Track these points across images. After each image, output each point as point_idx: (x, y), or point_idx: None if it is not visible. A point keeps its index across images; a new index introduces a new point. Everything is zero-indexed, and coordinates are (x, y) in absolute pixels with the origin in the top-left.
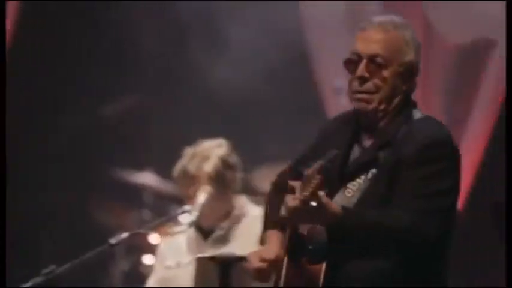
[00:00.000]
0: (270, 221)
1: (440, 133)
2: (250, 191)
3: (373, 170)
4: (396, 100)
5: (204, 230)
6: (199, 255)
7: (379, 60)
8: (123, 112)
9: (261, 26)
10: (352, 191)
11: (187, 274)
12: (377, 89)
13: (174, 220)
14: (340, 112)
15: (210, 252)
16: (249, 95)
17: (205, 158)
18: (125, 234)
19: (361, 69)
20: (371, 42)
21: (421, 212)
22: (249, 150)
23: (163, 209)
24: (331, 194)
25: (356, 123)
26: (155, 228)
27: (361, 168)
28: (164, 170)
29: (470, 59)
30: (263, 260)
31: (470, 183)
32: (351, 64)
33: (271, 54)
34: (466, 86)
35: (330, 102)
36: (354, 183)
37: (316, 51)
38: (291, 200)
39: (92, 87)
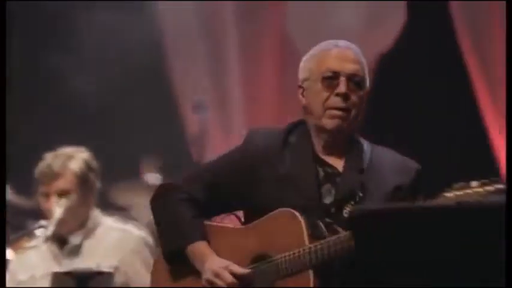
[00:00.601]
0: (193, 232)
1: (414, 163)
2: (106, 204)
3: (360, 194)
4: (357, 122)
5: (59, 240)
6: (55, 270)
7: (357, 79)
8: None
9: (118, 33)
10: (348, 212)
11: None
12: (353, 107)
13: (30, 235)
14: (260, 132)
15: (65, 263)
16: (105, 105)
17: (70, 157)
18: None
19: (344, 87)
20: (349, 61)
21: None
22: (104, 161)
23: (19, 224)
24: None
25: (308, 143)
26: (10, 244)
27: (350, 193)
28: (19, 185)
29: None
30: (234, 274)
31: None
32: (325, 81)
33: (128, 63)
34: None
35: (188, 115)
36: (345, 207)
37: (174, 61)
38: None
39: None
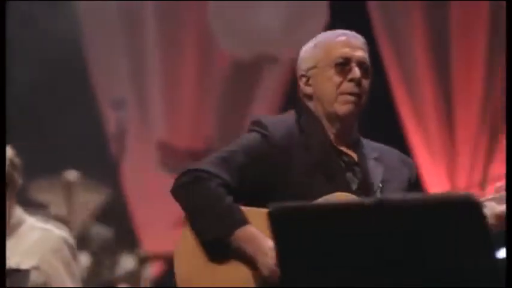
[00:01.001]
0: (238, 216)
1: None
2: (25, 201)
3: (380, 185)
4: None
5: None
6: None
7: (365, 66)
8: None
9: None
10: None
11: None
12: (364, 93)
13: None
14: (274, 120)
15: None
16: (26, 103)
17: None
18: None
19: (357, 72)
20: (358, 48)
21: None
22: (23, 158)
23: None
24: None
25: (322, 132)
26: None
27: (371, 182)
28: None
29: (248, 73)
30: None
31: None
32: (337, 68)
33: (48, 59)
34: (242, 100)
35: (108, 113)
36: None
37: (94, 58)
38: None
39: None
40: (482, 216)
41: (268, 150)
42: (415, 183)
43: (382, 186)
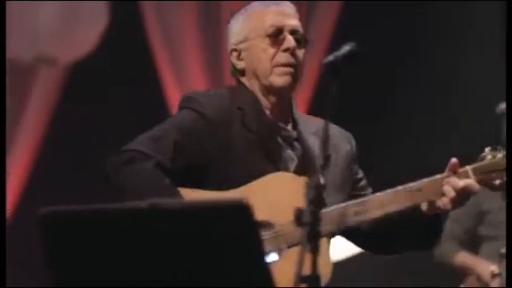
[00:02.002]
0: (176, 197)
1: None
2: None
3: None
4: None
5: None
6: None
7: (298, 36)
8: None
9: None
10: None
11: None
12: (299, 63)
13: None
14: (207, 95)
15: None
16: None
17: None
18: None
19: (291, 41)
20: (290, 17)
21: None
22: None
23: None
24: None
25: (258, 106)
26: None
27: (312, 157)
28: None
29: (23, 75)
30: None
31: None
32: (269, 38)
33: None
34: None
35: None
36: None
37: None
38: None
39: None
40: (252, 221)
41: (204, 127)
42: (354, 156)
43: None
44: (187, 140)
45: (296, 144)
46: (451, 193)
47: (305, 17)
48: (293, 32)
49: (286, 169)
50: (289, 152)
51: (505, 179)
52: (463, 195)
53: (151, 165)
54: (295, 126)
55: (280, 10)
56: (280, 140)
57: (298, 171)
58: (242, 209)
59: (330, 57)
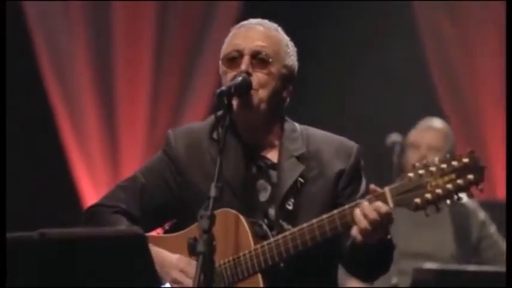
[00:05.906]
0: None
1: (351, 142)
2: None
3: (301, 180)
4: (274, 103)
5: None
6: None
7: (262, 56)
8: None
9: None
10: (291, 204)
11: None
12: (259, 87)
13: None
14: (181, 131)
15: None
16: None
17: None
18: None
19: (245, 64)
20: (254, 38)
21: None
22: None
23: None
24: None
25: (235, 135)
26: None
27: (287, 185)
28: None
29: None
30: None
31: None
32: (229, 62)
33: None
34: None
35: None
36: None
37: None
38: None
39: None
40: (146, 249)
41: (168, 166)
42: (352, 173)
43: (304, 183)
44: (152, 184)
45: (272, 172)
46: (362, 222)
47: None
48: (254, 54)
49: (254, 203)
50: (261, 183)
51: (427, 196)
52: (376, 220)
53: (109, 214)
54: (281, 148)
55: (246, 32)
56: (254, 170)
57: (270, 201)
58: (138, 238)
59: (224, 88)
